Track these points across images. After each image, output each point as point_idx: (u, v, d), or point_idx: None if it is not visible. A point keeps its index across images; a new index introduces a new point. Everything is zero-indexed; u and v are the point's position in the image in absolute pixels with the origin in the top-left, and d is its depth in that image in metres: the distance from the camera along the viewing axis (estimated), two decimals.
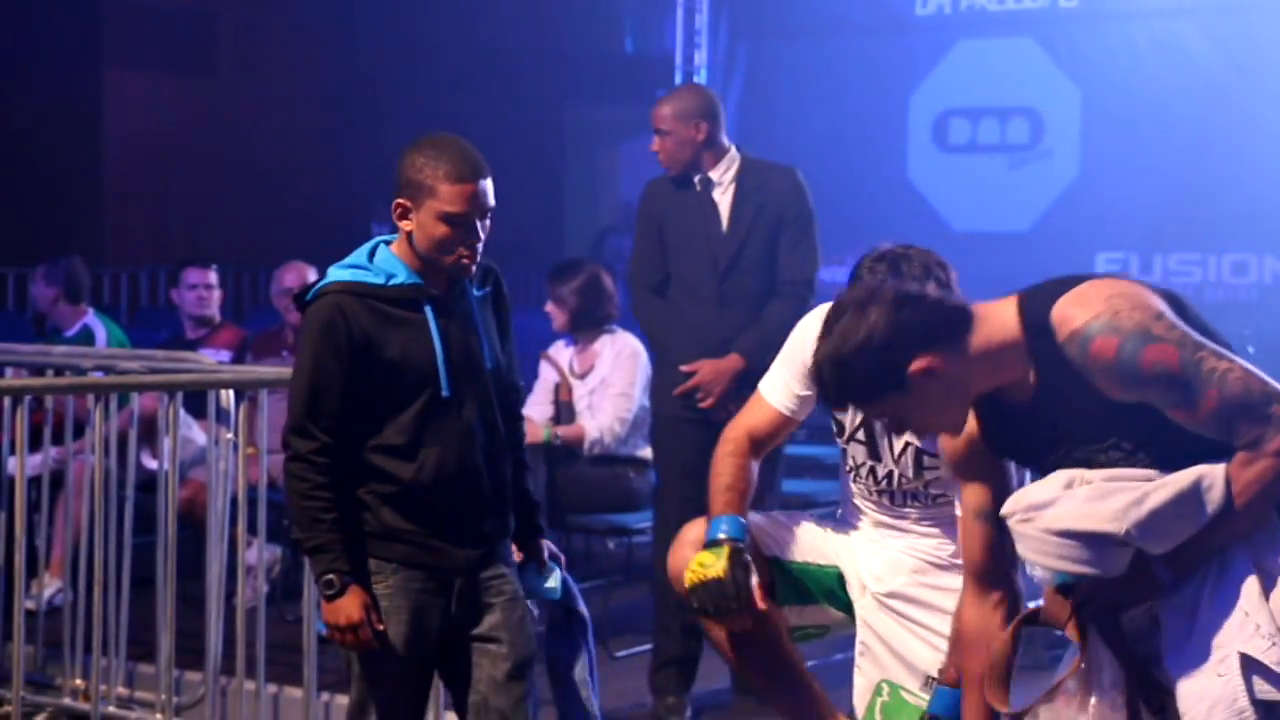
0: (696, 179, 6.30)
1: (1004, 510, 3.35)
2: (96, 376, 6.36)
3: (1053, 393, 3.30)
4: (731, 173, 6.32)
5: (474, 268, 4.23)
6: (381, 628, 4.19)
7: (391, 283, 4.21)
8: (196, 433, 7.58)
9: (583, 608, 4.62)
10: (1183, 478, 3.20)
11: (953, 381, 3.33)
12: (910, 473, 4.30)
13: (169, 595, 5.93)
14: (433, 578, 4.26)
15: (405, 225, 4.21)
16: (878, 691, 4.24)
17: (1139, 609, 3.37)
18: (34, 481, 7.04)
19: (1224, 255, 14.62)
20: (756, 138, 15.31)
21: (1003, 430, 3.47)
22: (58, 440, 6.88)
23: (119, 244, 17.36)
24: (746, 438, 4.44)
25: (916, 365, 3.30)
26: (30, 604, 6.87)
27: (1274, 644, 3.18)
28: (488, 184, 4.19)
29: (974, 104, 15.80)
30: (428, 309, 4.22)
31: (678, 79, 16.14)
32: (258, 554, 6.45)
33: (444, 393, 4.20)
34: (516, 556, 4.48)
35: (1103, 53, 14.88)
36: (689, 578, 4.17)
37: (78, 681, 6.38)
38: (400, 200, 4.20)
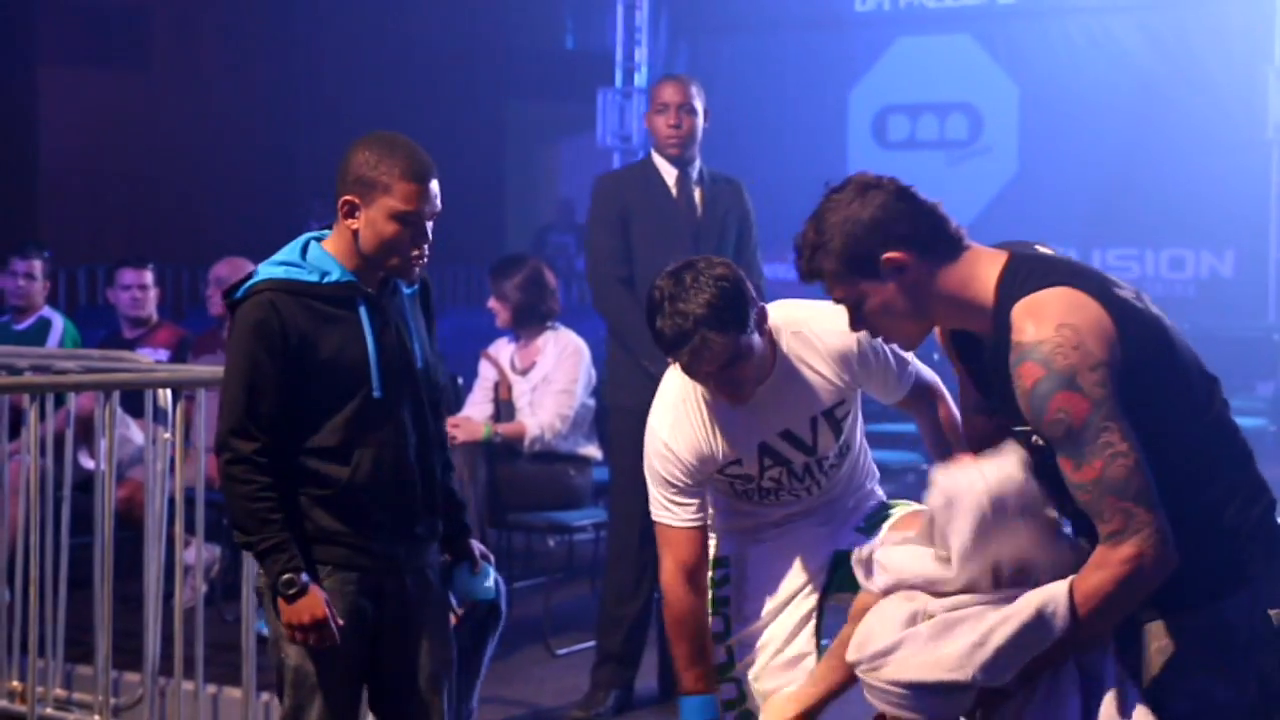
0: (678, 172, 6.31)
1: (849, 657, 3.33)
2: (32, 376, 6.31)
3: (998, 363, 3.31)
4: (698, 169, 6.39)
5: (418, 271, 4.18)
6: (341, 624, 4.13)
7: (326, 280, 4.13)
8: (134, 432, 7.53)
9: (504, 605, 4.57)
10: (1024, 608, 3.18)
11: (917, 292, 3.34)
12: (832, 445, 4.20)
13: (106, 596, 5.88)
14: (365, 579, 4.20)
15: (351, 224, 4.12)
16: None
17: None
18: None
19: (1161, 251, 14.73)
20: None
21: (972, 366, 3.50)
22: None
23: (55, 242, 17.18)
24: (684, 580, 4.18)
25: (889, 255, 3.31)
26: None
27: None
28: (437, 185, 4.14)
29: (913, 100, 15.88)
30: (361, 308, 4.15)
31: (618, 75, 16.16)
32: (196, 554, 6.41)
33: (375, 393, 4.14)
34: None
35: (1040, 49, 14.99)
36: None
37: (14, 683, 6.32)
38: (348, 197, 4.11)
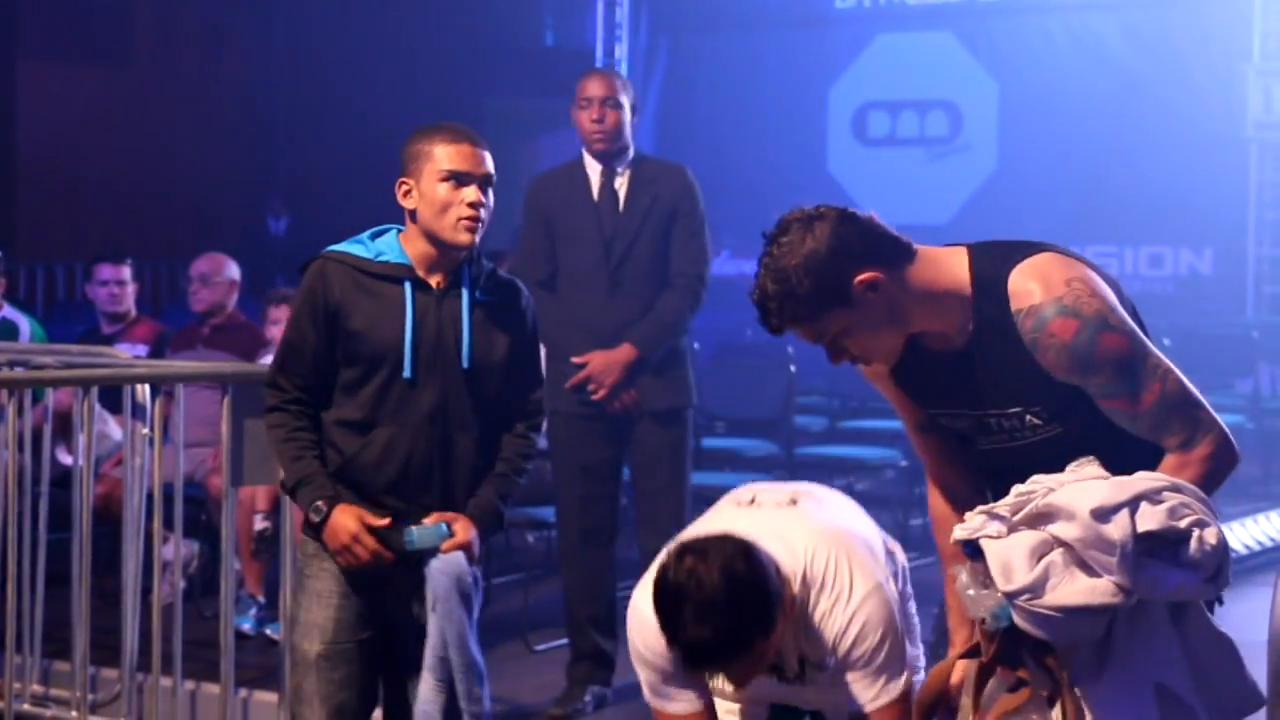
0: (602, 167, 6.27)
1: (1002, 586, 3.19)
2: (9, 371, 6.29)
3: (984, 351, 3.31)
4: (628, 163, 6.32)
5: (478, 234, 4.20)
6: (386, 521, 4.15)
7: (379, 259, 4.23)
8: (113, 428, 7.52)
9: (435, 580, 4.24)
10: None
11: (894, 303, 3.30)
12: (818, 676, 3.74)
13: (84, 591, 5.87)
14: (370, 565, 4.20)
15: (408, 204, 4.22)
16: None
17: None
18: None
19: (1140, 248, 14.76)
20: (677, 130, 15.39)
21: (916, 372, 3.46)
22: None
23: (34, 238, 17.19)
24: None
25: (861, 278, 3.25)
26: None
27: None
28: (487, 154, 4.23)
29: (893, 97, 15.89)
30: (407, 286, 4.21)
31: None
32: (174, 550, 6.40)
33: (405, 373, 4.18)
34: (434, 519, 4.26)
35: (1021, 46, 15.00)
36: None
37: None
38: (402, 180, 4.23)
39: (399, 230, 4.30)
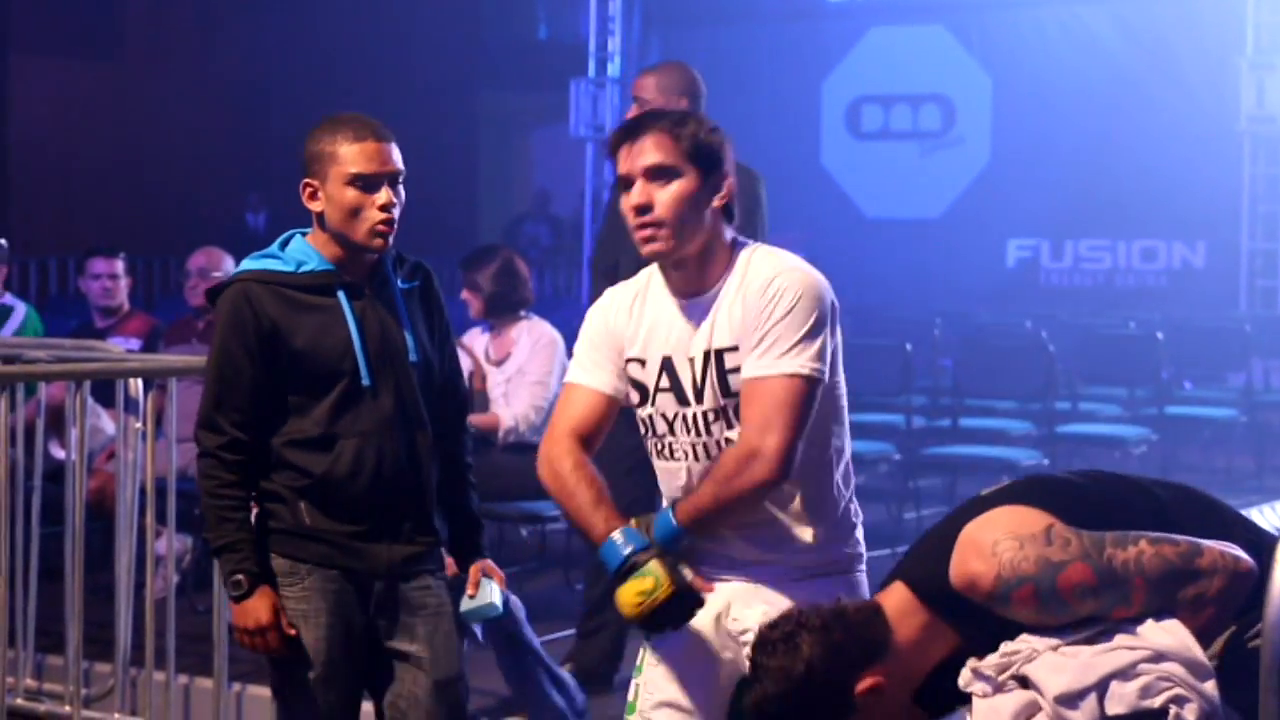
0: None
1: None
2: (2, 365, 6.28)
3: (980, 639, 3.26)
4: None
5: (391, 237, 4.06)
6: (293, 632, 4.05)
7: (302, 270, 4.07)
8: (105, 422, 7.51)
9: (528, 635, 4.49)
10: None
11: (897, 689, 3.23)
12: (719, 392, 3.71)
13: (77, 586, 5.86)
14: (351, 579, 4.11)
15: (315, 206, 4.05)
16: None
17: None
18: None
19: (1133, 241, 14.78)
20: None
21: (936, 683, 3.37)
22: None
23: (26, 231, 17.18)
24: (572, 438, 3.78)
25: (861, 687, 3.18)
26: None
27: None
28: (393, 147, 4.05)
29: (886, 91, 15.91)
30: (341, 294, 4.07)
31: (591, 66, 16.17)
32: (167, 544, 6.39)
33: (364, 381, 4.05)
34: (451, 571, 4.28)
35: (1014, 40, 15.03)
36: (635, 614, 3.54)
37: None
38: (307, 180, 4.05)
39: (304, 233, 4.14)
